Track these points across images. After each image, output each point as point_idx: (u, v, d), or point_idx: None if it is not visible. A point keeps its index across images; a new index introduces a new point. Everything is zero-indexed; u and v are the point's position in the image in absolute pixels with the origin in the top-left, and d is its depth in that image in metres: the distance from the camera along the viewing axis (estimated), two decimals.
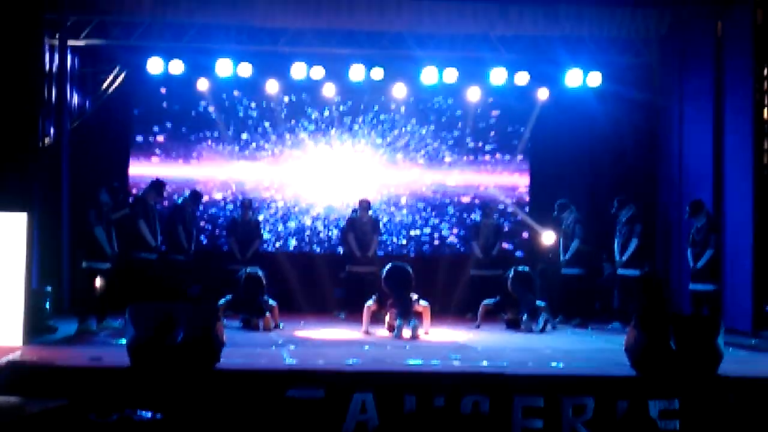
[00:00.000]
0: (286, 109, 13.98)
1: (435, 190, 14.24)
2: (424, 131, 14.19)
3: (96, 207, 10.30)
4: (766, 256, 10.72)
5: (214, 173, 13.88)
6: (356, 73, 13.11)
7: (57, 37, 12.05)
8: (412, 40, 12.90)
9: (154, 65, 12.78)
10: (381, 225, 13.32)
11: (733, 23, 11.35)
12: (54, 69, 12.04)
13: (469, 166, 14.27)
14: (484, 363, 8.12)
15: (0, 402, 6.73)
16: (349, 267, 12.69)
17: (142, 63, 12.78)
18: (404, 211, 14.20)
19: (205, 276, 12.53)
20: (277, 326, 10.88)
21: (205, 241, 13.64)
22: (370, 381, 7.13)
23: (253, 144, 13.95)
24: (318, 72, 13.09)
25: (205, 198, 13.38)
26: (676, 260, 12.36)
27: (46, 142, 11.75)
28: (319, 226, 14.06)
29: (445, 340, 10.10)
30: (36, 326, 9.43)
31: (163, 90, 13.59)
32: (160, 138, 13.75)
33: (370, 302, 10.65)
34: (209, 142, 13.85)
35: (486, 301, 11.47)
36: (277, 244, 13.97)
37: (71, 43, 12.33)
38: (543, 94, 13.71)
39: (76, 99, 12.75)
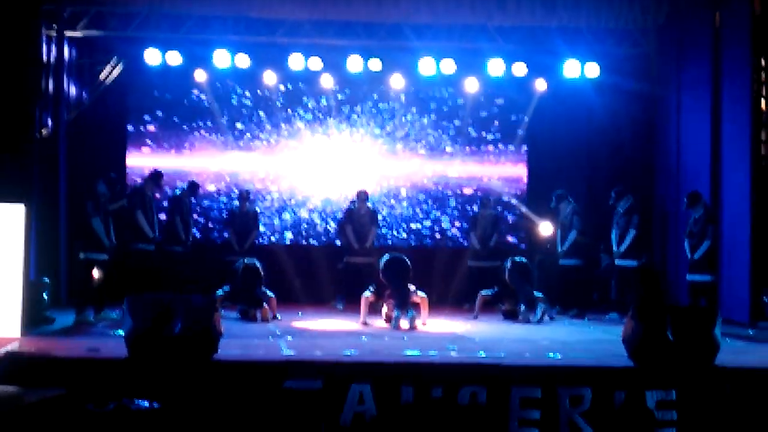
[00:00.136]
0: (282, 99, 13.86)
1: (436, 181, 14.10)
2: (425, 120, 14.06)
3: (93, 198, 10.28)
4: (764, 246, 10.70)
5: (207, 164, 13.73)
6: (354, 64, 13.07)
7: (54, 28, 12.04)
8: (409, 31, 12.88)
9: (152, 56, 12.75)
10: (379, 217, 13.24)
11: (731, 13, 11.31)
12: (51, 60, 12.02)
13: (471, 156, 14.13)
14: (482, 354, 8.12)
15: None
16: (346, 258, 12.65)
17: (139, 54, 12.76)
18: (404, 204, 14.08)
19: (202, 267, 12.50)
20: (274, 317, 10.89)
21: (198, 235, 13.48)
22: (368, 372, 7.13)
23: (248, 134, 13.82)
24: (315, 63, 13.06)
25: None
26: (674, 251, 12.35)
27: (43, 133, 11.74)
28: (316, 219, 13.93)
29: (442, 331, 10.10)
30: (34, 317, 9.45)
31: (159, 81, 13.48)
32: (151, 128, 13.64)
33: (367, 293, 10.65)
34: (202, 132, 13.73)
35: (483, 292, 11.47)
36: (273, 238, 13.83)
37: (68, 34, 12.31)
38: (541, 85, 13.66)
39: (73, 90, 12.72)
